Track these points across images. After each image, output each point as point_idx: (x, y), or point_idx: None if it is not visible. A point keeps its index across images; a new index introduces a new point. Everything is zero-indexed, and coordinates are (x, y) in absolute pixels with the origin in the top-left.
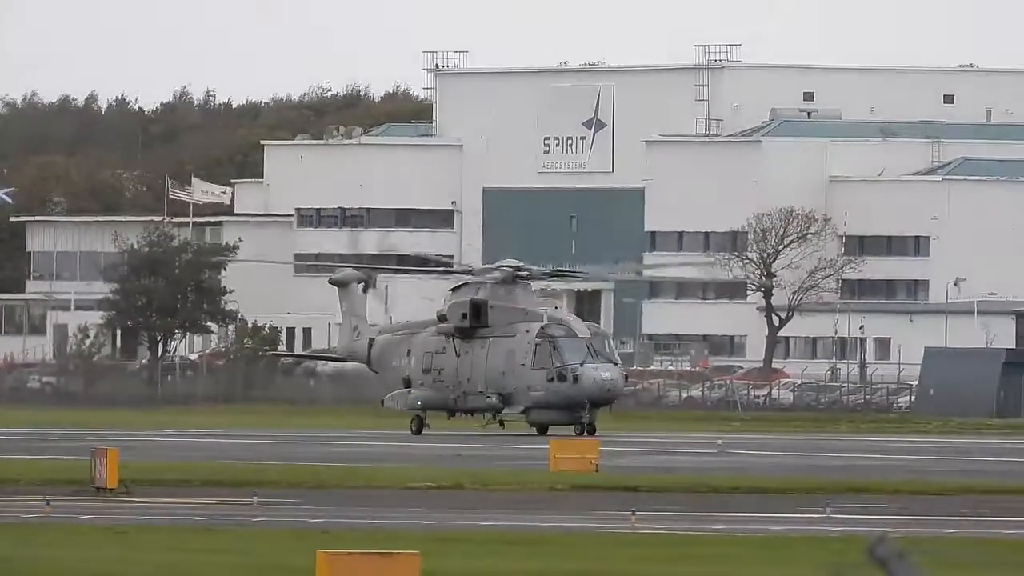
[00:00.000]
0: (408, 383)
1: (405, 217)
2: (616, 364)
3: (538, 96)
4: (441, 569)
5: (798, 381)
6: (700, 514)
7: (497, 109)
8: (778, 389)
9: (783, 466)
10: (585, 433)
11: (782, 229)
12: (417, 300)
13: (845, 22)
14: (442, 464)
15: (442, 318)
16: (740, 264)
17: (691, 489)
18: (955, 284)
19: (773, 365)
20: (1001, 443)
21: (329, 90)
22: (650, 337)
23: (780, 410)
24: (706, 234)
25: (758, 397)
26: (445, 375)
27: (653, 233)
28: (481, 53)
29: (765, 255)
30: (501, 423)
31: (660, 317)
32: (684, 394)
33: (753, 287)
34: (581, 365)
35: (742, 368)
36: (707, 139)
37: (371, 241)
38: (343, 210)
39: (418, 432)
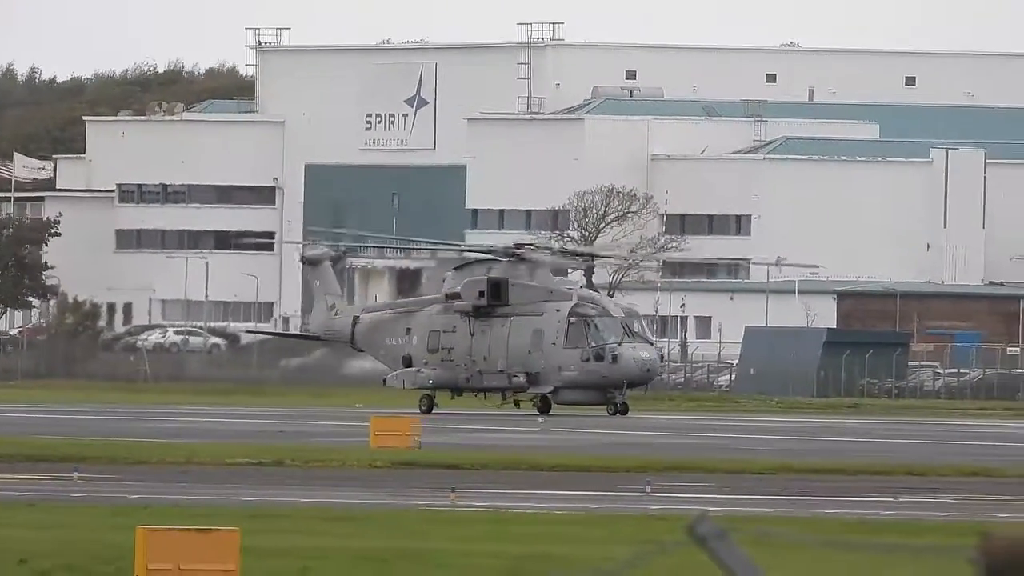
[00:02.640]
0: (409, 362)
1: (227, 194)
2: (652, 344)
3: (360, 73)
4: (260, 545)
5: None
6: (521, 492)
7: (319, 86)
8: None
9: (604, 444)
10: (618, 414)
11: (603, 207)
12: (239, 276)
13: (667, 0)
14: (263, 440)
15: (453, 296)
16: (561, 242)
17: (512, 467)
18: (776, 263)
19: None
20: (820, 422)
21: (153, 66)
22: None
23: None
24: (528, 212)
25: None
26: (456, 354)
27: (475, 211)
28: (304, 30)
29: (586, 233)
30: (516, 403)
31: None
32: None
33: (574, 265)
34: (619, 345)
35: None
36: (529, 117)
37: (192, 217)
38: (165, 186)
39: (428, 411)
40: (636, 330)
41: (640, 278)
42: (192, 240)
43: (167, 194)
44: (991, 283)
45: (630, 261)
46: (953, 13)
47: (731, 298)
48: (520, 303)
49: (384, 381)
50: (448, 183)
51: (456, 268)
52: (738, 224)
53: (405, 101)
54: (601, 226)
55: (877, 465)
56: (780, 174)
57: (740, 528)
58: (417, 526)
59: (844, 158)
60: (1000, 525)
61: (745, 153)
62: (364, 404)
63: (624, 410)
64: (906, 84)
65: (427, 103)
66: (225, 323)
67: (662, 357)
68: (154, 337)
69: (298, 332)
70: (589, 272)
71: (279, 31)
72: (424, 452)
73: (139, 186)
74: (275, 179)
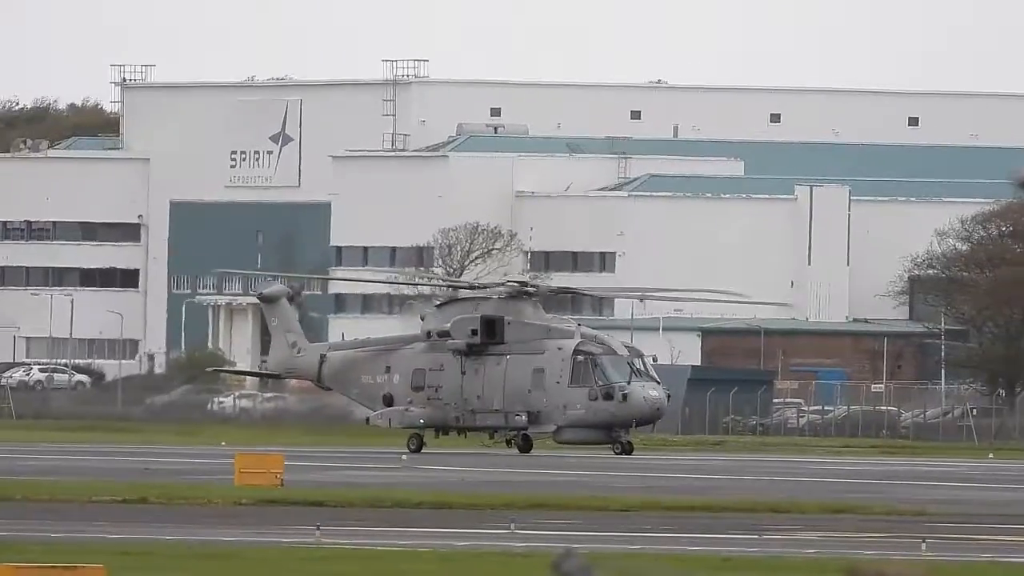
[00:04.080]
0: (390, 401)
1: (92, 231)
2: (659, 383)
3: (225, 110)
4: None
5: None
6: (385, 529)
7: (185, 123)
8: None
9: (468, 482)
10: (623, 453)
11: (468, 244)
12: (103, 313)
13: (532, 38)
14: (128, 478)
15: (442, 334)
16: (426, 279)
17: (376, 504)
18: (640, 300)
19: None
20: (685, 459)
21: (17, 103)
22: None
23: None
24: (392, 249)
25: None
26: (445, 392)
27: (339, 248)
28: (169, 67)
29: (451, 270)
30: (508, 441)
31: (346, 332)
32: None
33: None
34: (629, 384)
35: None
36: (394, 154)
37: (57, 254)
38: (30, 223)
39: (418, 450)
40: (641, 368)
41: None
42: (57, 277)
43: (32, 231)
44: (855, 320)
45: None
46: (817, 50)
47: None
48: (517, 341)
49: (367, 420)
50: (313, 220)
51: (438, 306)
52: (602, 261)
53: (270, 138)
54: (466, 263)
55: (742, 502)
56: (644, 211)
57: (605, 565)
58: (283, 563)
59: (708, 195)
60: (865, 562)
61: (609, 190)
62: (228, 442)
63: (629, 449)
64: (771, 121)
65: (292, 140)
66: (90, 360)
67: (668, 396)
68: (19, 375)
69: (258, 370)
70: None
71: (144, 68)
72: (288, 490)
73: (4, 223)
74: (140, 216)
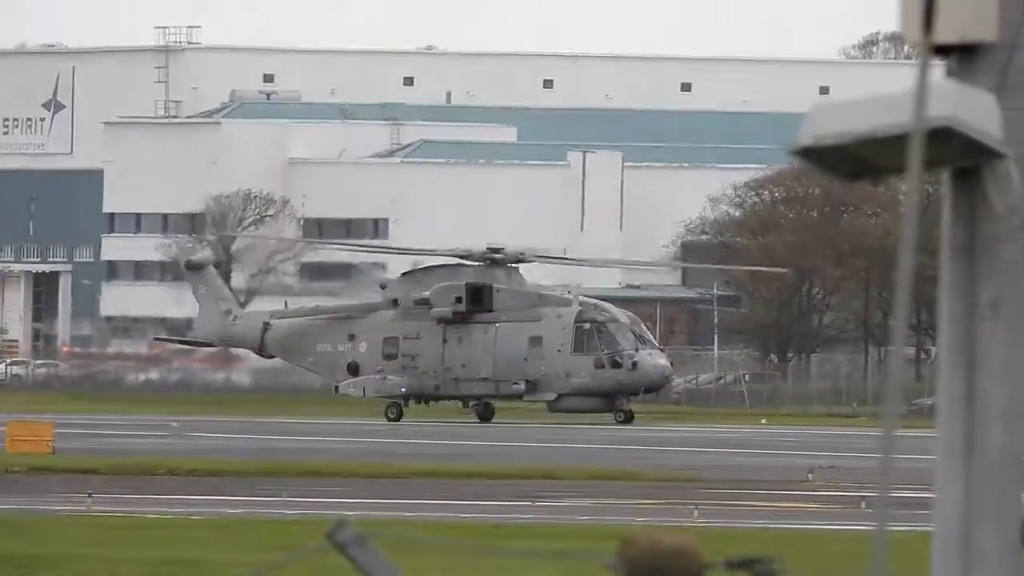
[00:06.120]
0: (356, 370)
1: None
2: (663, 350)
3: None
4: None
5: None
6: (158, 497)
7: None
8: (238, 373)
9: (240, 449)
10: (625, 421)
11: (241, 211)
12: None
13: (305, 4)
14: None
15: (420, 302)
16: (199, 246)
17: (149, 472)
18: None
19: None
20: (460, 424)
21: None
22: (108, 319)
23: (240, 391)
24: (164, 216)
25: (216, 379)
26: (423, 361)
27: (112, 215)
28: None
29: (224, 237)
30: (485, 407)
31: (118, 299)
32: (142, 377)
33: None
34: (636, 352)
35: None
36: (166, 120)
37: None
38: None
39: (397, 419)
40: (643, 335)
41: (279, 282)
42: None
43: None
44: (628, 287)
45: (270, 266)
46: (590, 16)
47: None
48: (507, 308)
49: (336, 389)
50: (86, 187)
51: (404, 274)
52: (375, 228)
53: (42, 105)
54: (238, 230)
55: (515, 468)
56: (417, 177)
57: (380, 533)
58: (55, 531)
59: (481, 161)
60: (639, 528)
61: (382, 156)
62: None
63: (630, 417)
64: (544, 87)
65: (64, 107)
66: None
67: (672, 363)
68: None
69: (197, 340)
70: (226, 275)
71: None
72: (60, 457)
73: None
74: None
